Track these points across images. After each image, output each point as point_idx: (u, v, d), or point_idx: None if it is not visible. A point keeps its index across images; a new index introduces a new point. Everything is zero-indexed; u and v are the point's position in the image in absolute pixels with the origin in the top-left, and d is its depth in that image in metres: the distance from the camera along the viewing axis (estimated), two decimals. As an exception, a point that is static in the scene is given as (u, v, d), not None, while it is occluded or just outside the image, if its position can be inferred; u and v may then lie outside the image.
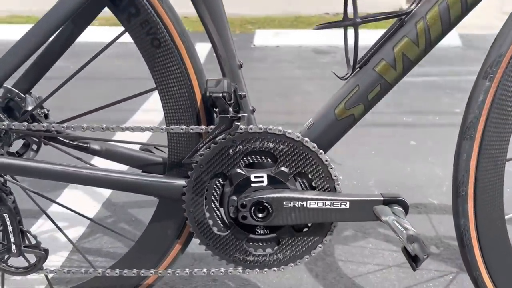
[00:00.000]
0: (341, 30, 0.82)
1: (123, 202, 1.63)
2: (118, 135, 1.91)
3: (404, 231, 0.75)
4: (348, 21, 0.81)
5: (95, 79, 2.69)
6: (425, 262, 1.31)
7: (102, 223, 1.48)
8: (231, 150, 0.85)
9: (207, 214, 0.89)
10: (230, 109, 0.82)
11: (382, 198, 0.84)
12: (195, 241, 0.92)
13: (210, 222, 0.89)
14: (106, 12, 0.86)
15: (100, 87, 2.67)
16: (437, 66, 3.37)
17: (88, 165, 0.93)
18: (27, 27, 0.81)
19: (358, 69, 0.86)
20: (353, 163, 1.87)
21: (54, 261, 1.33)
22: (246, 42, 3.99)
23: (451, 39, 3.93)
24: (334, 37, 3.75)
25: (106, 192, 1.69)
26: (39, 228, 1.48)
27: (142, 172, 0.96)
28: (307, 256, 0.91)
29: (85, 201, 1.63)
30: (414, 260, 0.79)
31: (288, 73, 3.24)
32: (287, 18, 4.92)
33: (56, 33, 0.83)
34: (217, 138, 0.84)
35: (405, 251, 0.81)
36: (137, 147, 1.02)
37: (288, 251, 0.90)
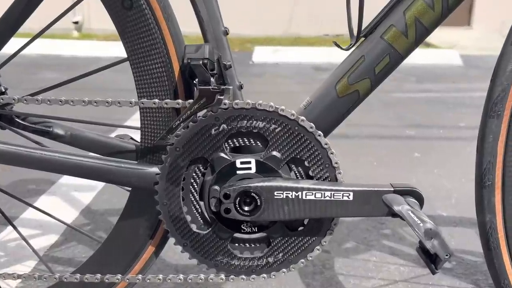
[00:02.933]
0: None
1: (103, 210, 1.51)
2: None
3: (421, 224, 0.61)
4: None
5: (87, 90, 2.59)
6: (436, 278, 1.19)
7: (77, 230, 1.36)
8: (213, 130, 0.72)
9: (185, 208, 0.75)
10: (212, 79, 0.69)
11: (392, 189, 0.71)
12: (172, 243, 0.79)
13: (188, 217, 0.76)
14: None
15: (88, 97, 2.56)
16: (439, 83, 3.31)
17: (44, 147, 0.80)
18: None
19: (363, 38, 0.74)
20: (355, 173, 1.75)
21: (19, 271, 1.19)
22: (244, 59, 3.94)
23: (452, 59, 3.90)
24: (334, 55, 3.66)
25: (86, 199, 1.57)
26: (9, 234, 1.35)
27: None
28: (302, 260, 0.77)
29: (62, 207, 1.51)
30: (433, 261, 0.64)
31: (286, 88, 3.17)
32: (287, 38, 4.89)
33: None
34: (197, 116, 0.71)
35: (422, 249, 0.66)
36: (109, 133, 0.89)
37: (280, 254, 0.77)
